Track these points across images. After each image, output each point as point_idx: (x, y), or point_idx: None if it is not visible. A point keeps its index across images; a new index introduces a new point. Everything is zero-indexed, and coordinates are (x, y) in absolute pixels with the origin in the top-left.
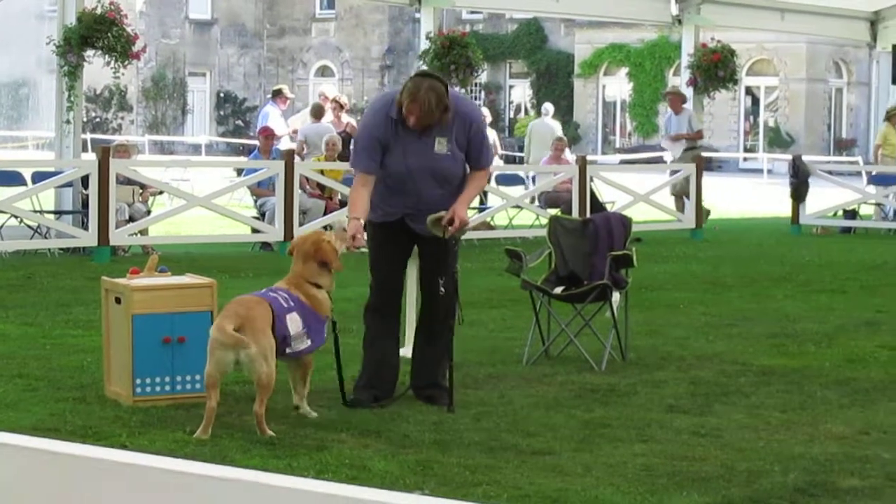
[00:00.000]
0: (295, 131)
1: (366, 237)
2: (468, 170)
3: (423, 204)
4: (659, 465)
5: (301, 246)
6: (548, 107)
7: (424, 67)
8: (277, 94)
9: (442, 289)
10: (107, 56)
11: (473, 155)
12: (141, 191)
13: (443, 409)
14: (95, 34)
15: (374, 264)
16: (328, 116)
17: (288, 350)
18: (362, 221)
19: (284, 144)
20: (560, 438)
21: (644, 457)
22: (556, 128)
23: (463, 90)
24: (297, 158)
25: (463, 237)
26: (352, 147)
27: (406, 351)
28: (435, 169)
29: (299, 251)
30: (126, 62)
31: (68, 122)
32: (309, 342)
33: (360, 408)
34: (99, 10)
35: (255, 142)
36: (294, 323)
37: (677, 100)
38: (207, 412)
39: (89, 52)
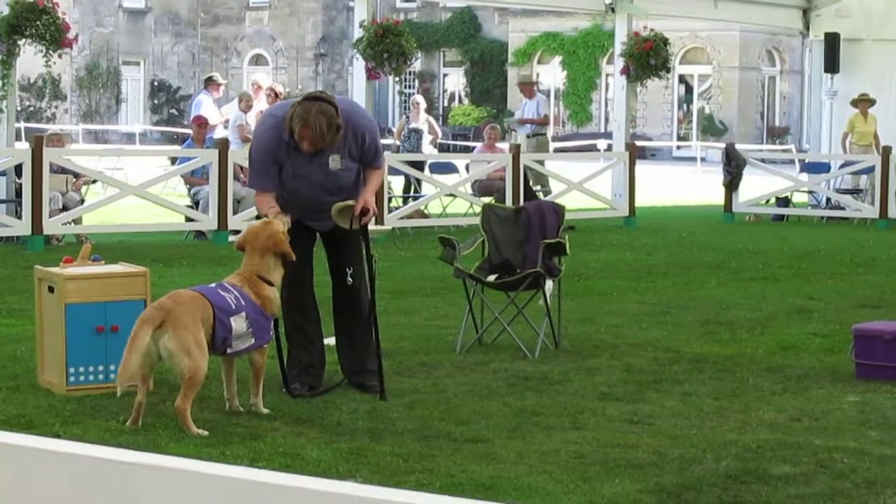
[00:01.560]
0: (227, 120)
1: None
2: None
3: (319, 207)
4: (591, 453)
5: (255, 239)
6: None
7: (358, 56)
8: (210, 82)
9: (350, 279)
10: (37, 45)
11: (370, 157)
12: (74, 180)
13: (376, 398)
14: (25, 23)
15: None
16: (262, 104)
17: (229, 350)
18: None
19: (219, 133)
20: (493, 426)
21: (577, 444)
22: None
23: (397, 78)
24: (231, 147)
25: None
26: (248, 167)
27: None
28: (329, 183)
29: (254, 245)
30: (57, 51)
31: (1, 111)
32: (252, 340)
33: (298, 397)
34: None
35: (189, 131)
36: (239, 324)
37: (529, 87)
38: (136, 406)
39: (20, 41)
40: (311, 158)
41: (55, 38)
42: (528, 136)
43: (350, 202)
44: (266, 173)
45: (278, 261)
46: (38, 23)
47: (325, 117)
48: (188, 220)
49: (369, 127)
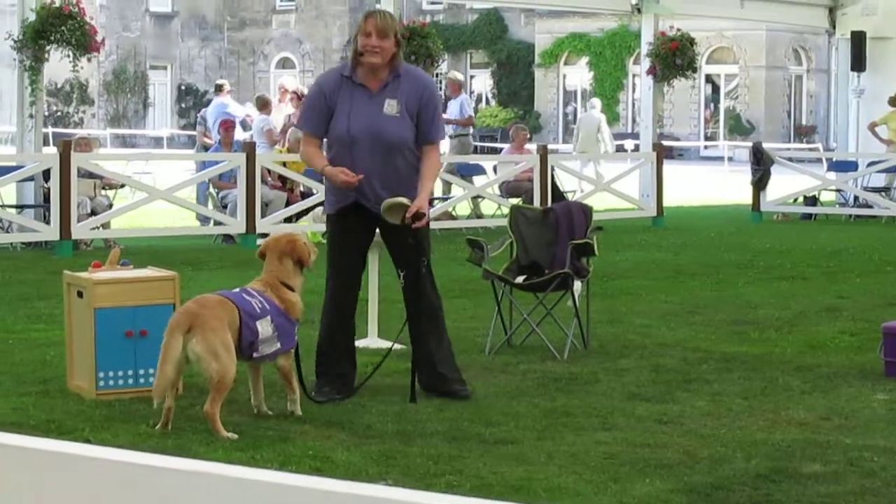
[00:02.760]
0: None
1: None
2: (419, 150)
3: (371, 180)
4: (621, 453)
5: (275, 245)
6: (594, 101)
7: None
8: (220, 89)
9: (402, 280)
10: (63, 50)
11: (425, 125)
12: (101, 184)
13: (404, 399)
14: (51, 28)
15: (330, 255)
16: (288, 108)
17: (255, 354)
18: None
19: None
20: (522, 427)
21: (606, 445)
22: (602, 120)
23: None
24: (259, 150)
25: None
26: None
27: (364, 342)
28: (380, 132)
29: (273, 250)
30: (84, 55)
31: (31, 116)
32: (278, 345)
33: (324, 402)
34: (57, 3)
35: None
36: (265, 327)
37: (455, 85)
38: (165, 410)
39: (47, 47)
40: (369, 99)
41: (81, 42)
42: (450, 137)
43: (402, 200)
44: (310, 109)
45: (297, 267)
46: (63, 28)
47: (388, 14)
48: (216, 223)
49: (431, 87)
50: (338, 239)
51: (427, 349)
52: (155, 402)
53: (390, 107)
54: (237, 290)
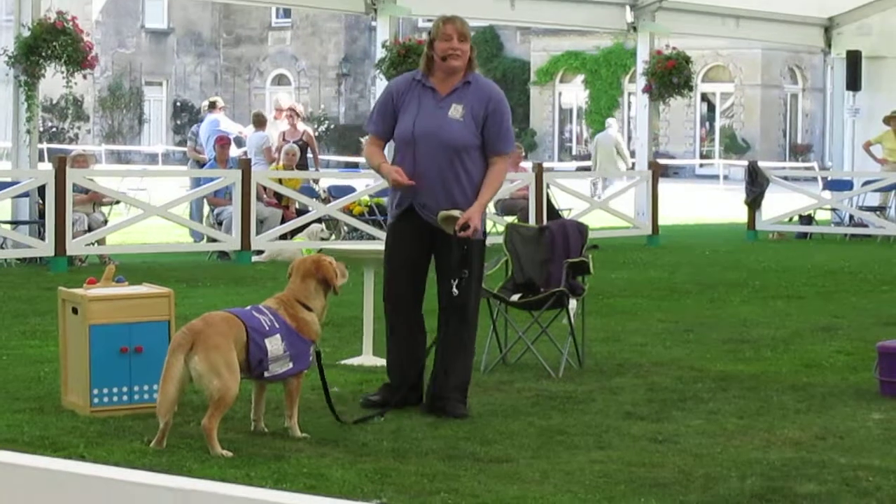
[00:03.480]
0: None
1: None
2: (484, 160)
3: (431, 184)
4: (616, 472)
5: (301, 264)
6: (610, 121)
7: (381, 76)
8: (213, 106)
9: (455, 290)
10: (56, 65)
11: (491, 136)
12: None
13: (401, 417)
14: (42, 44)
15: (386, 264)
16: (283, 125)
17: (266, 373)
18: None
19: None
20: (517, 446)
21: (601, 463)
22: (619, 138)
23: None
24: (255, 168)
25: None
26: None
27: (358, 360)
28: (442, 133)
29: (298, 269)
30: (76, 71)
31: (29, 132)
32: (291, 365)
33: (366, 421)
34: (52, 19)
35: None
36: (274, 346)
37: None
38: (160, 428)
39: (39, 62)
40: (436, 102)
41: (73, 58)
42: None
43: (456, 212)
44: (380, 113)
45: (320, 287)
46: (54, 43)
47: (463, 19)
48: (211, 240)
49: (499, 98)
50: (391, 247)
51: (442, 361)
52: (161, 421)
53: (455, 111)
54: (248, 307)
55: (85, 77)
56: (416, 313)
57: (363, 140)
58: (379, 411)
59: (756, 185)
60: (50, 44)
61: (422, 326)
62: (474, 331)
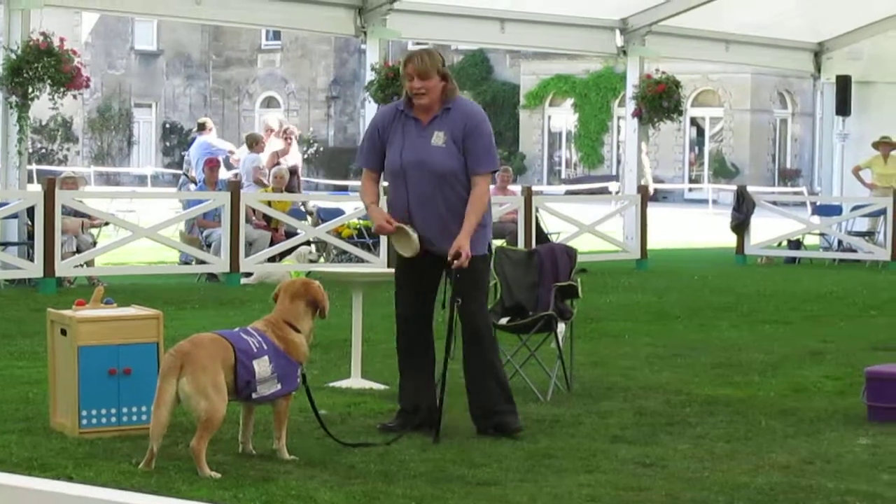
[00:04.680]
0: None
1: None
2: (470, 179)
3: (424, 212)
4: (604, 496)
5: (289, 286)
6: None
7: (370, 99)
8: (203, 127)
9: (458, 300)
10: (41, 86)
11: (472, 156)
12: (88, 221)
13: (387, 438)
14: (26, 65)
15: (396, 294)
16: (275, 145)
17: (254, 395)
18: (378, 204)
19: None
20: (505, 469)
21: (589, 487)
22: (645, 160)
23: None
24: (245, 189)
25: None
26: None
27: (347, 383)
28: (428, 161)
29: (287, 290)
30: (59, 92)
31: (19, 153)
32: (279, 386)
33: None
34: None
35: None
36: (262, 367)
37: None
38: (149, 450)
39: (25, 84)
40: (419, 131)
41: (57, 79)
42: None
43: (408, 228)
44: (365, 144)
45: (309, 309)
46: (37, 65)
47: (427, 53)
48: (200, 262)
49: (477, 117)
50: (399, 273)
51: (473, 387)
52: (154, 445)
53: (437, 138)
54: (237, 329)
55: (75, 97)
56: (425, 337)
57: (352, 167)
58: (388, 438)
59: (741, 210)
60: (32, 65)
61: (431, 349)
62: (494, 348)
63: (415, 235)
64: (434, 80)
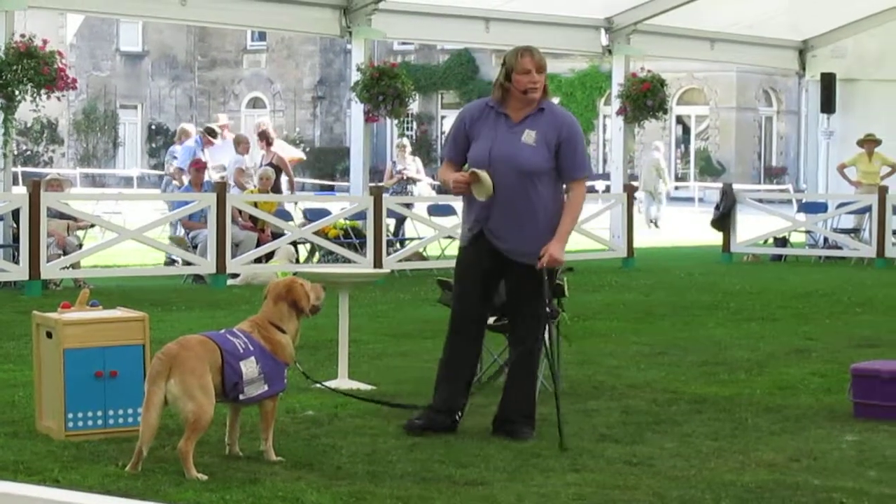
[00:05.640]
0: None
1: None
2: (559, 187)
3: (502, 207)
4: (591, 494)
5: (273, 288)
6: (658, 143)
7: (356, 99)
8: (186, 133)
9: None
10: (23, 88)
11: (566, 162)
12: (74, 223)
13: (375, 440)
14: (6, 67)
15: (455, 286)
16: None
17: (241, 396)
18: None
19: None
20: (493, 469)
21: (576, 486)
22: (661, 160)
23: (395, 121)
24: (230, 191)
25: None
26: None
27: (334, 383)
28: (516, 158)
29: (271, 292)
30: (40, 94)
31: (4, 155)
32: (266, 387)
33: (412, 432)
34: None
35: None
36: (249, 368)
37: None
38: (136, 451)
39: (7, 87)
40: (510, 128)
41: (36, 81)
42: None
43: (482, 172)
44: (454, 139)
45: (293, 310)
46: (16, 67)
47: (536, 49)
48: (186, 263)
49: (571, 123)
50: (461, 269)
51: (507, 390)
52: (144, 450)
53: (528, 136)
54: (223, 330)
55: (59, 99)
56: (477, 339)
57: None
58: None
59: (722, 209)
60: (12, 67)
61: (478, 355)
62: (538, 359)
63: (486, 176)
64: (545, 76)
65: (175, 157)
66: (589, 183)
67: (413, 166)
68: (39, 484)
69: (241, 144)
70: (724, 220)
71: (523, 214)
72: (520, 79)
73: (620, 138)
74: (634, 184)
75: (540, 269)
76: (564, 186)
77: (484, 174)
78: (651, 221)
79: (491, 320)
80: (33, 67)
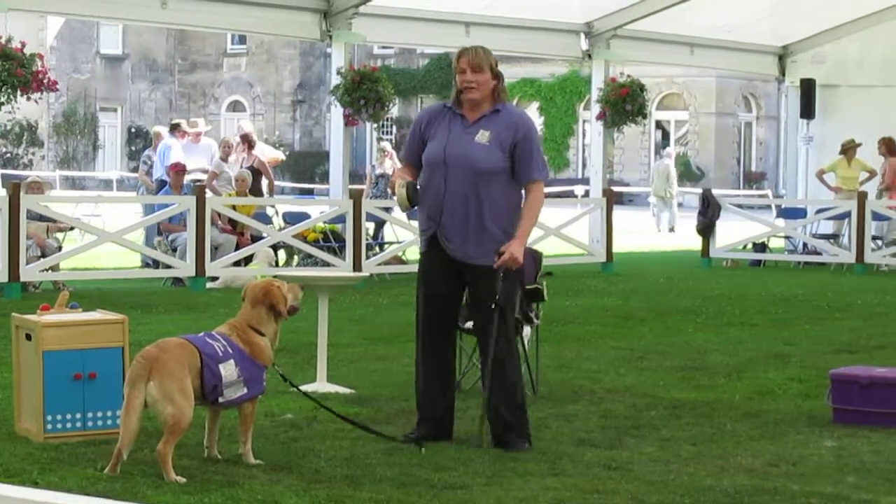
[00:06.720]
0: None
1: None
2: (514, 188)
3: (452, 209)
4: (570, 499)
5: (251, 291)
6: (669, 150)
7: (335, 102)
8: (176, 129)
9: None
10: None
11: (523, 163)
12: (53, 225)
13: (355, 443)
14: None
15: (417, 292)
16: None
17: (221, 399)
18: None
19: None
20: (472, 473)
21: (555, 490)
22: (671, 166)
23: (375, 124)
24: (208, 194)
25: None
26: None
27: (313, 387)
28: (469, 157)
29: (249, 295)
30: (14, 95)
31: None
32: (245, 390)
33: (408, 444)
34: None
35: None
36: (229, 371)
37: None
38: (115, 453)
39: None
40: (464, 128)
41: (10, 83)
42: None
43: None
44: (410, 141)
45: (270, 314)
46: None
47: (482, 49)
48: (165, 266)
49: (527, 123)
50: (422, 275)
51: (489, 396)
52: (124, 454)
53: (482, 136)
54: (202, 333)
55: (37, 102)
56: (446, 343)
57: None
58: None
59: (706, 214)
60: None
61: (451, 357)
62: (516, 359)
63: (401, 191)
64: (486, 76)
65: (146, 164)
66: (568, 188)
67: (392, 171)
68: (18, 486)
69: (222, 148)
70: (710, 227)
71: (472, 215)
72: (457, 78)
73: (600, 143)
74: (635, 190)
75: (497, 267)
76: (523, 191)
77: (400, 189)
78: (669, 228)
79: (469, 325)
80: (8, 69)
